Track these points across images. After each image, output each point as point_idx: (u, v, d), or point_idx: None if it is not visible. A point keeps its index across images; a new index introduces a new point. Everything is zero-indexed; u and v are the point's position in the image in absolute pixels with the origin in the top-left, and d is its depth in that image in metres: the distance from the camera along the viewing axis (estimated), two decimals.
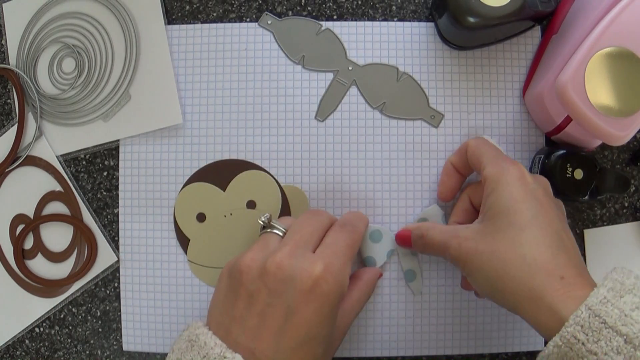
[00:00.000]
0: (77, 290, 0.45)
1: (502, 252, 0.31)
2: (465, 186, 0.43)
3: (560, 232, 0.32)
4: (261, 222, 0.37)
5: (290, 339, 0.30)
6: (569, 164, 0.41)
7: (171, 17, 0.46)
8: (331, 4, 0.46)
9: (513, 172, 0.34)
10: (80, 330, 0.45)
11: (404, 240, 0.41)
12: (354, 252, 0.36)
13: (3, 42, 0.47)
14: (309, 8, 0.46)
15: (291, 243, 0.34)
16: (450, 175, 0.42)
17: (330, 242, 0.35)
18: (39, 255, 0.46)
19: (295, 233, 0.35)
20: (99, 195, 0.46)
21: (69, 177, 0.46)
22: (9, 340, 0.46)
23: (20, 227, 0.46)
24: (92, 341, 0.45)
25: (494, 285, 0.31)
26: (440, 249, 0.36)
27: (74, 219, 0.45)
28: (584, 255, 0.44)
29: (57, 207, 0.46)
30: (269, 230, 0.37)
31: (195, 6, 0.46)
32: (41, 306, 0.45)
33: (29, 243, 0.46)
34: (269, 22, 0.46)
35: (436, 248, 0.36)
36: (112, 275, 0.45)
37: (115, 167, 0.46)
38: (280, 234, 0.36)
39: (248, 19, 0.46)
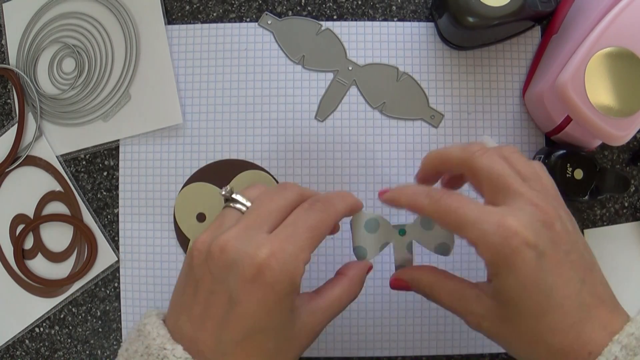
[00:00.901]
0: (77, 290, 0.45)
1: (529, 342, 0.29)
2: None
3: (582, 281, 0.29)
4: (222, 194, 0.32)
5: (233, 331, 0.28)
6: (569, 164, 0.41)
7: (171, 17, 0.46)
8: (331, 4, 0.46)
9: (513, 241, 0.27)
10: (80, 330, 0.45)
11: (402, 287, 0.35)
12: (319, 236, 0.30)
13: (3, 42, 0.47)
14: (309, 8, 0.46)
15: (244, 222, 0.30)
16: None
17: (290, 223, 0.30)
18: (39, 255, 0.46)
19: (253, 210, 0.31)
20: (99, 195, 0.46)
21: (69, 177, 0.46)
22: (9, 340, 0.46)
23: (20, 227, 0.46)
24: (92, 341, 0.45)
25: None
26: (453, 312, 0.32)
27: (74, 219, 0.45)
28: None
29: (57, 207, 0.46)
30: (230, 204, 0.32)
31: (195, 6, 0.46)
32: (41, 306, 0.45)
33: (29, 243, 0.46)
34: (269, 22, 0.46)
35: (445, 308, 0.32)
36: (112, 275, 0.45)
37: (115, 167, 0.46)
38: (243, 208, 0.31)
39: (248, 19, 0.46)
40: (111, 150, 0.46)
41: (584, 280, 0.29)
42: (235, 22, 0.46)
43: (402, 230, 0.36)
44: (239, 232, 0.29)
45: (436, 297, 0.32)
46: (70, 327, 0.46)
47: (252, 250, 0.28)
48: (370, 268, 0.36)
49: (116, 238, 0.45)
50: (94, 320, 0.45)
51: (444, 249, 0.35)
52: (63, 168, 0.46)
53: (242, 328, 0.28)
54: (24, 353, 0.46)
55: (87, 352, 0.45)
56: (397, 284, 0.35)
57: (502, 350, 0.44)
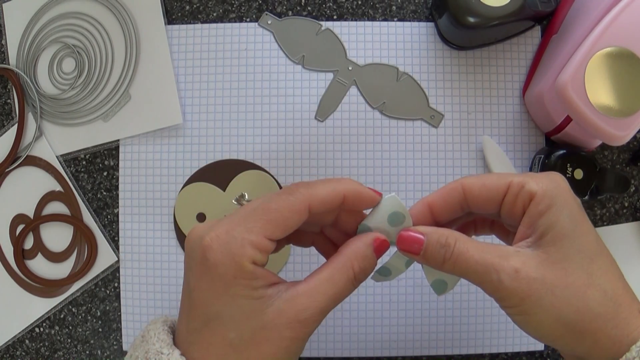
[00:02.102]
0: (77, 290, 0.45)
1: (580, 286, 0.26)
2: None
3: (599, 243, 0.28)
4: (234, 202, 0.31)
5: (193, 319, 0.27)
6: (569, 164, 0.41)
7: (171, 17, 0.46)
8: (331, 4, 0.46)
9: (564, 185, 0.28)
10: (80, 330, 0.45)
11: (411, 244, 0.29)
12: (279, 220, 0.27)
13: (3, 42, 0.47)
14: (309, 8, 0.46)
15: (229, 215, 0.28)
16: (449, 195, 0.30)
17: (249, 205, 0.28)
18: (39, 255, 0.46)
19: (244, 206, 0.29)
20: (99, 195, 0.46)
21: (69, 177, 0.46)
22: (9, 340, 0.46)
23: (20, 227, 0.46)
24: (92, 341, 0.45)
25: (572, 325, 0.26)
26: (477, 272, 0.27)
27: (74, 219, 0.45)
28: None
29: (57, 207, 0.46)
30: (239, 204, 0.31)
31: (195, 6, 0.46)
32: (41, 306, 0.45)
33: (29, 243, 0.46)
34: (269, 22, 0.46)
35: (470, 268, 0.27)
36: (112, 275, 0.45)
37: (115, 167, 0.46)
38: None
39: (248, 19, 0.46)
40: (111, 150, 0.46)
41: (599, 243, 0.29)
42: (235, 22, 0.46)
43: None
44: (213, 221, 0.28)
45: (460, 251, 0.27)
46: (70, 327, 0.46)
47: (203, 233, 0.27)
48: (378, 240, 0.29)
49: (116, 238, 0.45)
50: (94, 320, 0.45)
51: (439, 287, 0.30)
52: (63, 168, 0.46)
53: (199, 315, 0.27)
54: (24, 353, 0.46)
55: (87, 352, 0.45)
56: (408, 239, 0.29)
57: (502, 350, 0.44)
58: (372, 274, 0.30)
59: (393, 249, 0.30)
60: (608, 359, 0.26)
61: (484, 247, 0.27)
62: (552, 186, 0.27)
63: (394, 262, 0.31)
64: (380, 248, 0.29)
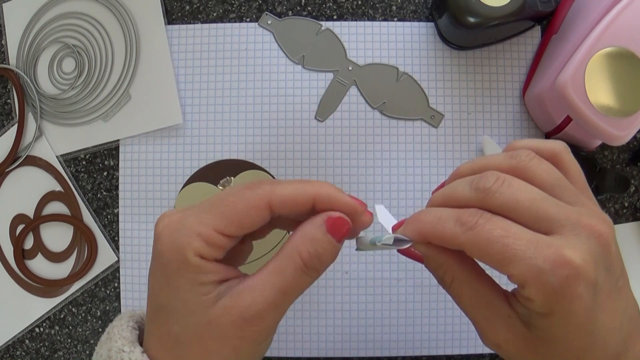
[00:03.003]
0: (77, 290, 0.45)
1: None
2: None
3: (626, 316, 0.25)
4: (219, 187, 0.30)
5: (148, 307, 0.27)
6: None
7: (171, 17, 0.46)
8: (331, 4, 0.46)
9: (573, 289, 0.22)
10: (80, 330, 0.45)
11: (413, 258, 0.29)
12: (234, 214, 0.25)
13: (3, 42, 0.47)
14: (309, 8, 0.46)
15: (195, 204, 0.27)
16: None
17: (210, 198, 0.26)
18: (39, 255, 0.46)
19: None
20: (99, 195, 0.46)
21: (69, 177, 0.46)
22: (9, 340, 0.46)
23: (20, 227, 0.46)
24: (92, 341, 0.45)
25: None
26: (467, 316, 0.26)
27: (74, 219, 0.45)
28: None
29: (57, 207, 0.46)
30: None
31: (195, 6, 0.46)
32: (41, 306, 0.45)
33: (29, 243, 0.46)
34: (269, 22, 0.46)
35: (462, 308, 0.26)
36: (112, 275, 0.45)
37: (115, 167, 0.46)
38: None
39: (248, 19, 0.46)
40: (111, 150, 0.46)
41: (626, 307, 0.25)
42: (235, 22, 0.46)
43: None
44: (177, 209, 0.26)
45: (455, 293, 0.26)
46: (70, 327, 0.46)
47: (162, 218, 0.26)
48: (331, 219, 0.25)
49: (116, 238, 0.45)
50: (94, 320, 0.45)
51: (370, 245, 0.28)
52: (63, 168, 0.46)
53: (150, 305, 0.26)
54: (24, 353, 0.46)
55: (87, 352, 0.45)
56: (410, 255, 0.28)
57: None
58: (357, 240, 0.27)
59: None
60: None
61: (478, 299, 0.25)
62: (558, 298, 0.22)
63: (386, 242, 0.27)
64: (335, 227, 0.25)
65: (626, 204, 0.45)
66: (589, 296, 0.23)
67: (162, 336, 0.26)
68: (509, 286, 0.25)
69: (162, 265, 0.25)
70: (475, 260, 0.26)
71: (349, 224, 0.26)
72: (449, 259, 0.26)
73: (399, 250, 0.27)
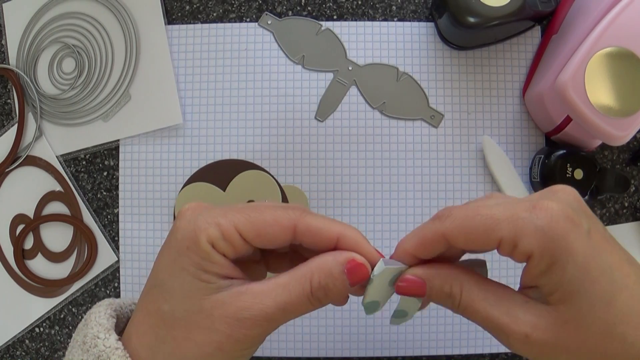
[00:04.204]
0: (77, 290, 0.45)
1: (597, 341, 0.23)
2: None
3: (630, 262, 0.25)
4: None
5: (146, 284, 0.27)
6: (569, 164, 0.41)
7: (171, 17, 0.46)
8: (331, 4, 0.46)
9: (560, 222, 0.23)
10: None
11: (414, 290, 0.26)
12: (258, 220, 0.26)
13: (3, 42, 0.47)
14: (309, 8, 0.46)
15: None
16: (431, 246, 0.26)
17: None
18: (39, 255, 0.46)
19: None
20: (99, 195, 0.46)
21: (69, 177, 0.46)
22: (9, 340, 0.46)
23: (20, 227, 0.46)
24: None
25: None
26: (487, 327, 0.25)
27: (74, 219, 0.45)
28: None
29: (57, 207, 0.46)
30: None
31: (195, 6, 0.46)
32: (41, 306, 0.45)
33: (29, 243, 0.46)
34: (269, 22, 0.46)
35: (479, 321, 0.25)
36: (112, 275, 0.45)
37: (115, 167, 0.46)
38: None
39: (248, 19, 0.46)
40: (111, 150, 0.46)
41: (630, 261, 0.25)
42: (235, 22, 0.46)
43: None
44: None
45: (467, 301, 0.25)
46: (70, 327, 0.46)
47: (185, 204, 0.27)
48: (353, 262, 0.26)
49: (116, 238, 0.45)
50: None
51: (400, 314, 0.28)
52: (63, 168, 0.46)
53: (149, 281, 0.27)
54: (24, 353, 0.46)
55: None
56: (410, 284, 0.26)
57: (502, 350, 0.44)
58: (390, 319, 0.28)
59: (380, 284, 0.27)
60: None
61: (492, 297, 0.25)
62: (549, 240, 0.23)
63: (405, 301, 0.27)
64: (354, 272, 0.25)
65: (626, 204, 0.45)
66: (584, 234, 0.23)
67: (150, 312, 0.26)
68: None
69: (174, 241, 0.25)
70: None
71: (368, 274, 0.26)
72: (450, 269, 0.26)
73: (399, 291, 0.26)
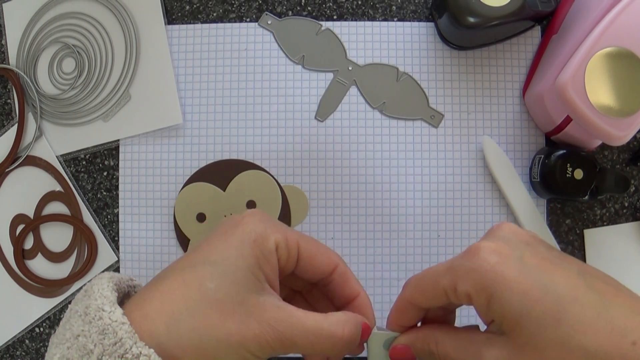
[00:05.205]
0: (77, 290, 0.45)
1: (557, 358, 0.24)
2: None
3: (580, 273, 0.26)
4: None
5: (183, 260, 0.27)
6: (569, 164, 0.41)
7: (171, 17, 0.46)
8: (331, 4, 0.46)
9: (492, 258, 0.26)
10: None
11: (403, 355, 0.30)
12: (312, 244, 0.30)
13: (3, 42, 0.47)
14: (309, 8, 0.46)
15: None
16: (404, 313, 0.30)
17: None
18: (39, 255, 0.46)
19: None
20: (99, 195, 0.46)
21: (69, 177, 0.46)
22: (9, 340, 0.46)
23: (20, 227, 0.46)
24: None
25: None
26: None
27: (74, 219, 0.45)
28: (583, 255, 0.44)
29: (57, 207, 0.46)
30: None
31: (195, 6, 0.46)
32: (41, 306, 0.45)
33: (29, 243, 0.46)
34: (269, 22, 0.46)
35: None
36: None
37: (115, 167, 0.46)
38: None
39: (248, 19, 0.46)
40: (111, 150, 0.46)
41: (581, 272, 0.25)
42: (235, 22, 0.46)
43: None
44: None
45: (443, 353, 0.28)
46: None
47: (248, 212, 0.29)
48: (365, 325, 0.30)
49: (116, 238, 0.45)
50: None
51: None
52: (63, 168, 0.46)
53: (193, 257, 0.27)
54: (24, 353, 0.46)
55: None
56: (398, 351, 0.30)
57: None
58: None
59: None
60: None
61: (461, 343, 0.27)
62: (480, 277, 0.25)
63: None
64: (364, 332, 0.30)
65: (626, 204, 0.45)
66: (513, 261, 0.25)
67: (190, 284, 0.26)
68: None
69: (240, 232, 0.27)
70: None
71: (370, 330, 0.30)
72: (427, 330, 0.29)
73: (392, 358, 0.30)
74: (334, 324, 0.28)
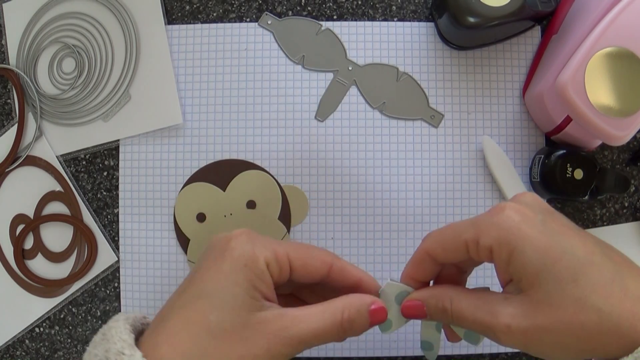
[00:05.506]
0: (77, 290, 0.45)
1: (572, 315, 0.25)
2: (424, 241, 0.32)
3: (597, 243, 0.27)
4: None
5: (182, 294, 0.28)
6: (569, 164, 0.41)
7: (171, 17, 0.46)
8: (331, 4, 0.46)
9: (516, 217, 0.27)
10: (80, 330, 0.45)
11: (416, 311, 0.31)
12: (305, 252, 0.30)
13: (3, 42, 0.47)
14: (309, 8, 0.46)
15: None
16: (420, 265, 0.31)
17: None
18: (39, 255, 0.46)
19: None
20: (99, 195, 0.46)
21: (69, 177, 0.46)
22: (9, 340, 0.46)
23: (20, 227, 0.46)
24: None
25: (578, 349, 0.26)
26: (476, 329, 0.28)
27: (74, 219, 0.45)
28: None
29: (57, 207, 0.46)
30: None
31: (195, 6, 0.46)
32: (41, 306, 0.45)
33: (29, 243, 0.46)
34: (269, 22, 0.46)
35: (469, 326, 0.29)
36: (112, 275, 0.45)
37: (115, 167, 0.46)
38: None
39: (248, 19, 0.46)
40: (111, 150, 0.46)
41: (598, 242, 0.27)
42: (235, 22, 0.46)
43: None
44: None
45: (457, 311, 0.29)
46: (70, 327, 0.46)
47: (234, 231, 0.30)
48: (376, 305, 0.30)
49: (116, 238, 0.45)
50: (94, 320, 0.45)
51: (426, 346, 0.34)
52: (63, 168, 0.46)
53: (192, 292, 0.28)
54: (24, 353, 0.46)
55: None
56: (411, 307, 0.31)
57: (502, 350, 0.44)
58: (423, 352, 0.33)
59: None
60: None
61: (475, 303, 0.28)
62: (504, 232, 0.27)
63: (426, 333, 0.33)
64: (375, 314, 0.30)
65: (626, 204, 0.45)
66: (535, 223, 0.26)
67: (193, 321, 0.27)
68: None
69: (229, 258, 0.28)
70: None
71: (386, 317, 0.30)
72: (441, 288, 0.30)
73: (404, 312, 0.31)
74: (334, 312, 0.28)
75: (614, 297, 0.25)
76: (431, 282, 0.32)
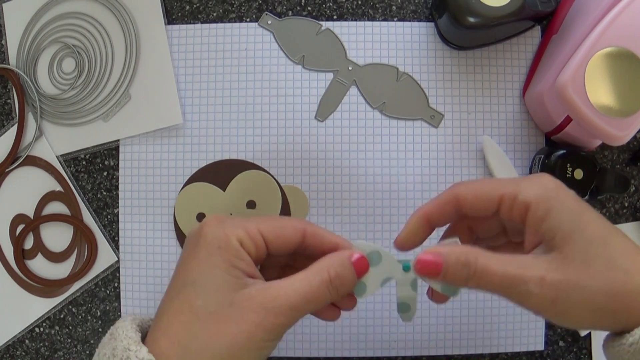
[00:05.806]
0: (77, 290, 0.45)
1: (602, 273, 0.27)
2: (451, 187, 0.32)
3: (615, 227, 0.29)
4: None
5: (171, 289, 0.29)
6: (569, 164, 0.41)
7: (171, 17, 0.46)
8: (331, 4, 0.46)
9: (555, 184, 0.29)
10: (80, 330, 0.45)
11: (430, 268, 0.29)
12: (277, 224, 0.30)
13: (3, 42, 0.47)
14: (309, 8, 0.46)
15: None
16: (417, 230, 0.32)
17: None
18: (39, 255, 0.46)
19: None
20: (99, 195, 0.46)
21: (69, 177, 0.46)
22: (9, 340, 0.46)
23: (20, 227, 0.46)
24: (92, 341, 0.45)
25: (604, 310, 0.27)
26: (503, 285, 0.27)
27: (74, 219, 0.45)
28: None
29: (57, 207, 0.46)
30: None
31: (195, 6, 0.46)
32: (41, 306, 0.45)
33: (29, 243, 0.46)
34: (269, 22, 0.46)
35: (495, 283, 0.27)
36: (112, 275, 0.45)
37: (115, 167, 0.46)
38: None
39: (248, 19, 0.46)
40: (111, 150, 0.46)
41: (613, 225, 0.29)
42: (235, 22, 0.46)
43: (406, 266, 0.31)
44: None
45: (483, 266, 0.28)
46: (70, 327, 0.46)
47: (205, 218, 0.31)
48: (356, 257, 0.30)
49: (116, 238, 0.45)
50: (94, 320, 0.45)
51: (403, 308, 0.32)
52: (63, 168, 0.46)
53: (177, 284, 0.29)
54: (24, 353, 0.46)
55: (87, 352, 0.45)
56: (427, 262, 0.29)
57: (502, 350, 0.44)
58: (399, 315, 0.32)
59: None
60: None
61: (504, 259, 0.28)
62: (544, 190, 0.29)
63: (402, 293, 0.32)
64: (358, 263, 0.30)
65: (626, 204, 0.45)
66: (570, 195, 0.29)
67: (181, 310, 0.27)
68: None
69: (204, 244, 0.29)
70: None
71: (368, 267, 0.31)
72: (462, 247, 0.29)
73: (416, 270, 0.29)
74: (319, 272, 0.29)
75: (638, 262, 0.27)
76: (420, 248, 0.31)
